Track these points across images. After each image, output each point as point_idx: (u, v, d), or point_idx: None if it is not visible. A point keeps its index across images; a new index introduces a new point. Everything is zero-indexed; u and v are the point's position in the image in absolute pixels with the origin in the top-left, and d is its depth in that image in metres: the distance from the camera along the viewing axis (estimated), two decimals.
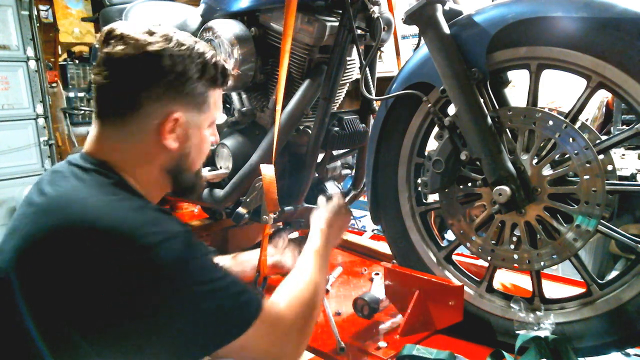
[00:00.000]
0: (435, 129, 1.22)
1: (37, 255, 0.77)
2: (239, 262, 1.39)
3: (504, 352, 1.10)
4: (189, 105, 0.91)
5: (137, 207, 0.81)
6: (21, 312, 0.77)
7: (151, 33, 0.86)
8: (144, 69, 0.85)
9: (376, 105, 1.58)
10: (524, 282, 1.40)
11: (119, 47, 0.84)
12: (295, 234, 1.89)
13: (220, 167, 1.57)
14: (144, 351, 0.77)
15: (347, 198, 1.75)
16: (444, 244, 1.34)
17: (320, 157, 1.63)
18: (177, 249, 0.77)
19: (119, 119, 0.87)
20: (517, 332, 1.08)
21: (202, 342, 0.79)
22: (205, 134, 0.97)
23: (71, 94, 5.03)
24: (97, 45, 0.89)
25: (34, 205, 0.83)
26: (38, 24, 4.61)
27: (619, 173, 1.16)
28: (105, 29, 0.87)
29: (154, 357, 0.78)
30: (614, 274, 2.03)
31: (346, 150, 1.69)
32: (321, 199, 1.32)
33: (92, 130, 0.91)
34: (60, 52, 5.13)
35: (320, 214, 1.23)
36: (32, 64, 4.49)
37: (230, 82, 1.04)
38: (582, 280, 1.16)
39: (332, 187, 1.73)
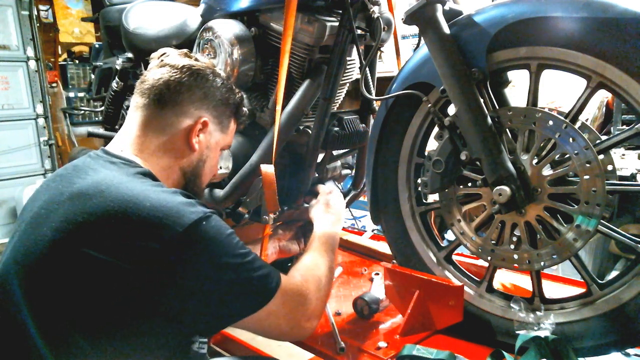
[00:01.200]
0: (435, 129, 1.22)
1: (76, 242, 0.80)
2: None
3: (504, 352, 1.11)
4: (216, 119, 1.06)
5: (170, 191, 0.88)
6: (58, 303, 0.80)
7: (200, 58, 1.07)
8: (193, 74, 1.01)
9: (376, 105, 1.58)
10: (524, 282, 1.40)
11: (176, 57, 1.03)
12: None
13: (220, 167, 1.57)
14: (181, 320, 0.84)
15: (347, 198, 1.75)
16: (444, 244, 1.34)
17: (320, 157, 1.63)
18: (213, 226, 0.85)
19: (163, 107, 0.98)
20: (517, 332, 1.08)
21: (230, 311, 0.87)
22: (218, 153, 1.10)
23: (71, 94, 5.03)
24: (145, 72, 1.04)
25: (58, 196, 0.86)
26: (38, 24, 4.61)
27: (619, 173, 1.16)
28: (157, 53, 1.07)
29: (187, 327, 0.86)
30: (614, 274, 2.03)
31: (346, 150, 1.69)
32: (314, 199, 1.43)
33: (123, 131, 1.01)
34: (60, 52, 5.13)
35: (317, 207, 1.36)
36: (32, 64, 4.49)
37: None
38: (582, 280, 1.16)
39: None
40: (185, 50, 1.08)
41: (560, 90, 2.70)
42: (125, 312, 0.80)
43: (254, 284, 0.88)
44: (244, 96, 1.14)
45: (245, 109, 1.16)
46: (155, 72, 1.01)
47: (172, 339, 0.86)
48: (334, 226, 1.28)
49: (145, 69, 2.12)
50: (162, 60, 1.03)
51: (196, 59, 1.05)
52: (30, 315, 0.81)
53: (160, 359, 0.85)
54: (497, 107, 1.15)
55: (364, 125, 1.61)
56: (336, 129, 1.52)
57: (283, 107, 1.38)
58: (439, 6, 1.13)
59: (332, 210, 1.35)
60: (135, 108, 1.01)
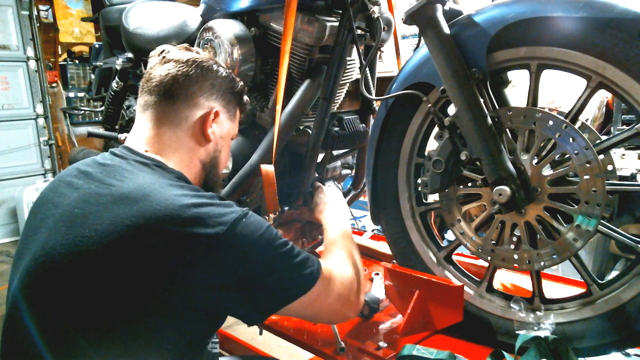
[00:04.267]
0: (435, 129, 1.22)
1: (126, 245, 0.81)
2: None
3: (504, 352, 1.10)
4: (225, 108, 1.09)
5: (208, 195, 0.90)
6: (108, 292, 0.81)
7: (200, 51, 1.09)
8: (199, 66, 1.03)
9: (376, 105, 1.58)
10: (524, 282, 1.40)
11: (178, 52, 1.05)
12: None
13: None
14: (227, 312, 0.92)
15: (347, 198, 1.75)
16: (444, 244, 1.34)
17: (320, 157, 1.63)
18: (252, 222, 0.89)
19: (174, 102, 1.00)
20: (517, 332, 1.08)
21: (282, 296, 0.91)
22: (230, 142, 1.15)
23: (71, 94, 5.04)
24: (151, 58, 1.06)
25: (96, 197, 0.87)
26: (38, 24, 4.62)
27: (619, 173, 1.15)
28: (157, 49, 1.08)
29: (236, 316, 0.92)
30: (614, 274, 2.03)
31: (346, 150, 1.69)
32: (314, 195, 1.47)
33: (138, 130, 1.01)
34: (60, 52, 5.13)
35: (322, 208, 1.39)
36: (32, 64, 4.50)
37: None
38: (582, 280, 1.16)
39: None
40: (185, 45, 1.09)
41: (560, 90, 2.70)
42: (154, 311, 0.82)
43: (298, 268, 0.92)
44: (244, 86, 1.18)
45: (246, 97, 1.19)
46: (160, 69, 1.02)
47: (192, 337, 0.89)
48: (346, 223, 1.30)
49: (146, 68, 2.13)
50: (164, 57, 1.03)
51: (197, 52, 1.07)
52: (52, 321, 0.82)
53: (176, 357, 0.86)
54: (497, 107, 1.15)
55: (364, 125, 1.61)
56: (336, 129, 1.52)
57: (283, 107, 1.38)
58: (439, 6, 1.13)
59: (337, 208, 1.37)
60: (145, 107, 1.01)
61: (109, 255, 0.81)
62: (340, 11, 1.38)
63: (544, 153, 1.10)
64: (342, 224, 1.29)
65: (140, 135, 1.00)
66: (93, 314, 0.81)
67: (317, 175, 1.67)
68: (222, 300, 0.88)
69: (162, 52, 1.05)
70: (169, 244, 0.81)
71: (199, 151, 1.03)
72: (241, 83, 1.15)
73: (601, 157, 1.03)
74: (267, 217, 1.39)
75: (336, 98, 1.54)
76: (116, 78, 2.14)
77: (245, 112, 1.22)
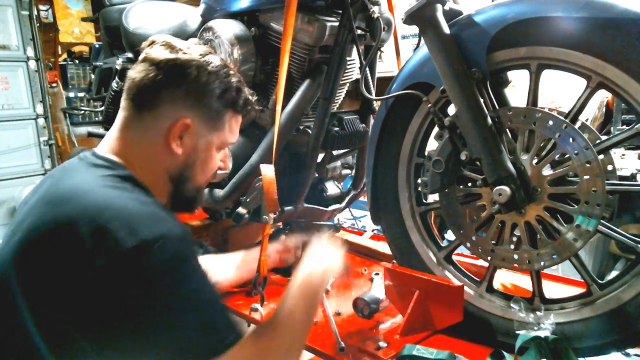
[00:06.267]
0: (435, 129, 1.22)
1: (37, 249, 0.78)
2: (245, 261, 1.41)
3: (504, 352, 1.10)
4: (202, 118, 0.96)
5: (140, 201, 0.83)
6: (21, 310, 0.77)
7: (190, 47, 0.96)
8: (170, 70, 0.92)
9: (376, 105, 1.57)
10: (524, 282, 1.40)
11: (158, 50, 0.93)
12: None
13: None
14: (141, 352, 0.77)
15: (347, 198, 1.75)
16: (444, 244, 1.34)
17: (320, 157, 1.63)
18: (173, 249, 0.78)
19: (140, 111, 0.93)
20: (517, 332, 1.08)
21: (167, 348, 0.77)
22: (213, 153, 1.01)
23: (71, 94, 5.04)
24: (142, 47, 0.97)
25: (40, 199, 0.85)
26: (38, 24, 4.61)
27: (619, 173, 1.15)
28: (151, 38, 0.97)
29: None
30: (614, 274, 2.03)
31: (346, 150, 1.69)
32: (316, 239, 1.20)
33: (110, 131, 0.96)
34: (60, 52, 5.13)
35: (310, 264, 1.09)
36: (32, 64, 4.49)
37: None
38: (582, 280, 1.16)
39: (332, 187, 1.73)
40: (171, 40, 0.96)
41: (560, 90, 2.70)
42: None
43: (205, 328, 0.79)
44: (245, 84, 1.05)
45: (248, 96, 1.04)
46: (136, 68, 0.94)
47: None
48: (317, 275, 1.05)
49: None
50: (145, 54, 0.94)
51: (182, 50, 0.94)
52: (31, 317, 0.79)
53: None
54: (497, 107, 1.15)
55: (364, 125, 1.61)
56: (336, 129, 1.52)
57: (283, 107, 1.38)
58: (439, 6, 1.13)
59: (321, 259, 1.11)
60: (121, 108, 0.96)
61: (21, 262, 0.78)
62: (340, 11, 1.38)
63: (544, 153, 1.10)
64: (311, 285, 1.03)
65: (110, 136, 0.96)
66: (19, 329, 0.77)
67: (317, 175, 1.67)
68: (126, 337, 0.76)
69: (149, 45, 0.96)
70: (74, 253, 0.75)
71: (164, 162, 0.94)
72: (237, 82, 1.01)
73: (601, 157, 1.03)
74: (267, 217, 1.39)
75: (336, 98, 1.55)
76: (116, 78, 2.15)
77: (250, 116, 1.11)
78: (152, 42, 0.96)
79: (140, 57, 0.95)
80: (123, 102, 0.96)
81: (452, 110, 1.17)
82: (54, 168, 1.00)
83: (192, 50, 0.95)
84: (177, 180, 0.97)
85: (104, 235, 0.75)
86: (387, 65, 2.37)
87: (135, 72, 0.93)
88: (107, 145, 0.95)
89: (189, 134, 0.94)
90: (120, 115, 0.96)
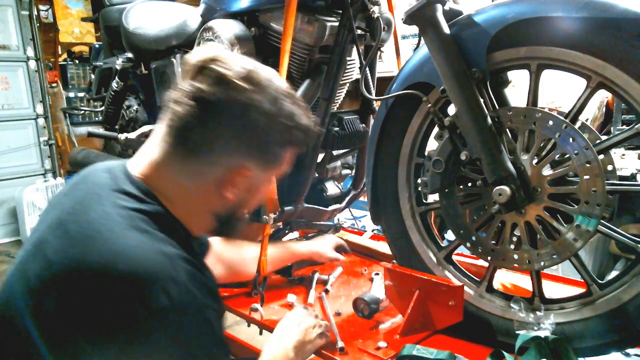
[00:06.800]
0: (435, 129, 1.22)
1: (52, 288, 0.74)
2: (243, 258, 1.41)
3: (504, 352, 1.10)
4: (259, 162, 0.86)
5: (167, 254, 0.75)
6: (34, 340, 0.74)
7: (248, 79, 0.80)
8: (230, 118, 0.79)
9: (376, 105, 1.57)
10: (524, 282, 1.40)
11: (211, 87, 0.78)
12: (295, 234, 1.90)
13: None
14: None
15: (347, 199, 1.75)
16: (444, 244, 1.34)
17: (321, 157, 1.63)
18: (185, 323, 0.73)
19: (187, 155, 0.82)
20: (517, 332, 1.08)
21: None
22: (266, 187, 0.95)
23: (71, 94, 5.04)
24: (183, 68, 0.83)
25: (59, 224, 0.78)
26: (38, 24, 4.62)
27: (619, 173, 1.15)
28: (204, 54, 0.80)
29: None
30: (614, 274, 2.03)
31: (346, 150, 1.69)
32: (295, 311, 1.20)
33: (150, 152, 0.84)
34: (60, 52, 5.13)
35: (288, 333, 1.10)
36: (32, 64, 4.50)
37: None
38: (582, 280, 1.16)
39: (332, 187, 1.73)
40: (224, 71, 0.78)
41: (560, 90, 2.70)
42: None
43: None
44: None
45: (309, 126, 0.88)
46: (181, 94, 0.79)
47: None
48: (287, 346, 1.06)
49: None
50: (194, 80, 0.79)
51: (237, 86, 0.78)
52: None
53: None
54: (497, 107, 1.15)
55: (364, 125, 1.61)
56: (336, 129, 1.52)
57: None
58: (439, 6, 1.13)
59: (282, 335, 1.10)
60: (160, 134, 0.83)
61: (37, 299, 0.74)
62: (340, 11, 1.38)
63: (544, 153, 1.10)
64: (280, 346, 1.06)
65: (144, 156, 0.85)
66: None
67: (317, 175, 1.67)
68: None
69: (205, 65, 0.79)
70: (88, 303, 0.71)
71: (211, 205, 0.87)
72: (298, 120, 0.85)
73: (601, 157, 1.03)
74: (267, 217, 1.39)
75: (336, 98, 1.54)
76: (116, 78, 2.15)
77: (308, 143, 0.96)
78: (204, 68, 0.79)
79: (190, 92, 0.78)
80: (164, 132, 0.82)
81: (452, 110, 1.17)
82: (76, 176, 0.89)
83: (250, 84, 0.80)
84: (224, 219, 0.91)
85: (120, 289, 0.71)
86: (387, 65, 2.37)
87: (179, 104, 0.78)
88: (142, 167, 0.84)
89: (243, 181, 0.85)
90: (159, 141, 0.83)
